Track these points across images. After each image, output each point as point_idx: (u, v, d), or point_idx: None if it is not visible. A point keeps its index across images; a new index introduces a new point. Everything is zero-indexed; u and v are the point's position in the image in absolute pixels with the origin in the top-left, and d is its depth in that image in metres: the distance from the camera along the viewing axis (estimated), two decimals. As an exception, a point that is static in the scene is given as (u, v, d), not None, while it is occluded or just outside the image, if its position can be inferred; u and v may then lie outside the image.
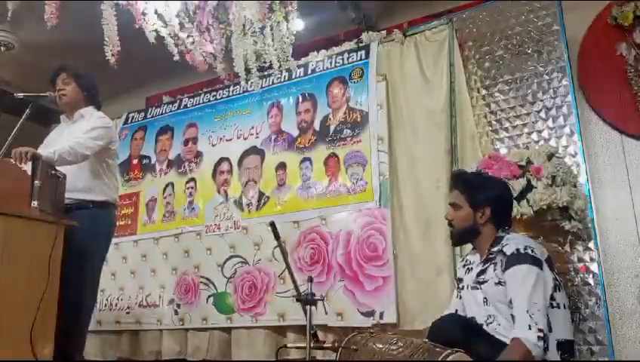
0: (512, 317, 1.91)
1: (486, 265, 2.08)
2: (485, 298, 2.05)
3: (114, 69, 2.89)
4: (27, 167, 2.39)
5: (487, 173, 2.50)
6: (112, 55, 2.87)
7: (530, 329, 1.82)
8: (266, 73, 3.94)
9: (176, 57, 3.11)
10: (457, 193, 2.20)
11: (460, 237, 2.23)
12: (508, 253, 1.98)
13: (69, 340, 2.55)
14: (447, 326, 2.03)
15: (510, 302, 1.92)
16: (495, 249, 2.06)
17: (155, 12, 3.02)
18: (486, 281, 2.05)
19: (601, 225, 2.97)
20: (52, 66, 3.00)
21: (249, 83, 3.58)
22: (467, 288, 2.16)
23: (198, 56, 3.19)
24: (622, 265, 2.94)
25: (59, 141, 2.90)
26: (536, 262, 1.94)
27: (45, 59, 4.18)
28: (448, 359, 1.69)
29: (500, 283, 1.99)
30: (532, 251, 1.96)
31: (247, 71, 3.10)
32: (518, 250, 1.97)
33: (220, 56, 3.22)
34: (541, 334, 1.82)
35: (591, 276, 2.83)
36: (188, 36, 3.12)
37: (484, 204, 2.13)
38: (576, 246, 2.87)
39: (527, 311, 1.85)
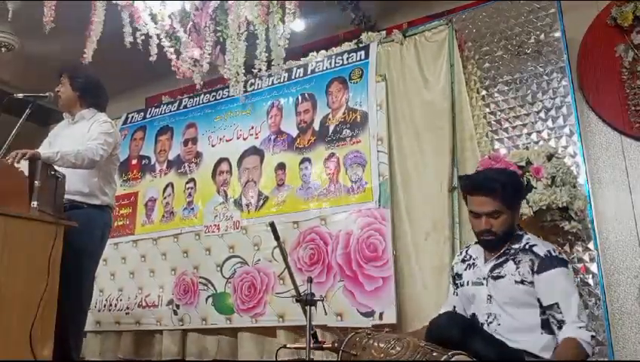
0: (559, 322, 1.87)
1: (501, 260, 2.01)
2: (489, 295, 2.00)
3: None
4: (24, 167, 2.36)
5: (493, 167, 2.47)
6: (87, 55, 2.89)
7: (586, 329, 1.83)
8: (263, 74, 3.94)
9: (153, 58, 3.11)
10: (489, 200, 1.97)
11: (500, 242, 2.02)
12: (541, 254, 1.94)
13: (65, 340, 2.54)
14: (445, 324, 1.98)
15: (554, 306, 1.88)
16: (516, 246, 2.01)
17: (150, 13, 3.02)
18: (502, 276, 1.98)
19: (600, 225, 2.97)
20: (52, 67, 3.01)
21: (237, 90, 3.53)
22: (468, 284, 2.10)
23: (183, 63, 3.18)
24: (622, 266, 2.94)
25: (58, 139, 2.91)
26: (568, 265, 1.95)
27: (45, 60, 4.21)
28: (452, 359, 1.69)
29: (522, 282, 1.93)
30: (560, 253, 1.97)
31: (248, 72, 3.09)
32: (549, 251, 1.95)
33: (205, 61, 3.20)
34: (593, 333, 1.84)
35: (590, 276, 2.83)
36: (172, 39, 3.12)
37: (518, 201, 2.07)
38: (575, 246, 2.87)
39: (577, 313, 1.86)
